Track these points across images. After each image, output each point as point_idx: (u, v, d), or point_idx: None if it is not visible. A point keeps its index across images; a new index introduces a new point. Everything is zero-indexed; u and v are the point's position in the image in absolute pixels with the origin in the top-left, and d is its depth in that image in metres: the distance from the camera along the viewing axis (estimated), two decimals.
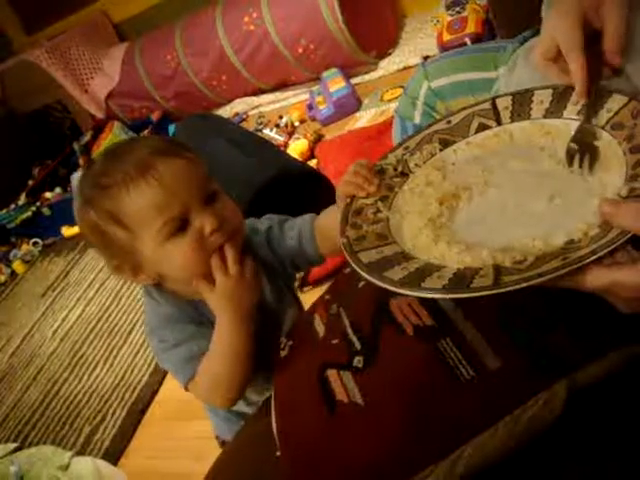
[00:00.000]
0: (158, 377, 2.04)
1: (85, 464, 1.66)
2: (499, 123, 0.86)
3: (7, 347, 2.69)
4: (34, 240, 3.36)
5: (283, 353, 0.89)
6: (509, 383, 0.66)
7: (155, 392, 2.00)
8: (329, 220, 1.07)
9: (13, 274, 3.30)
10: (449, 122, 0.90)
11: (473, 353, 0.69)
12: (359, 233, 0.78)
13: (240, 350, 0.96)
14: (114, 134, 3.57)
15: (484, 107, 0.88)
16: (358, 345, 0.76)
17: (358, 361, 0.74)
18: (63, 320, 2.65)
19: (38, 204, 3.40)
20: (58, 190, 3.46)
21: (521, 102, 0.86)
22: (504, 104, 0.87)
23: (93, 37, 3.96)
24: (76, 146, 3.65)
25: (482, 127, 0.87)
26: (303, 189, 2.07)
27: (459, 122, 0.89)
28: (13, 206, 3.44)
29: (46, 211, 3.34)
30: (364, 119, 2.82)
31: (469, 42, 2.78)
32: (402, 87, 2.89)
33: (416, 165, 0.87)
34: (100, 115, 3.84)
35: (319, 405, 0.75)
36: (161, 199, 0.93)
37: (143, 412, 1.96)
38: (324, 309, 0.87)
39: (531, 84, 0.87)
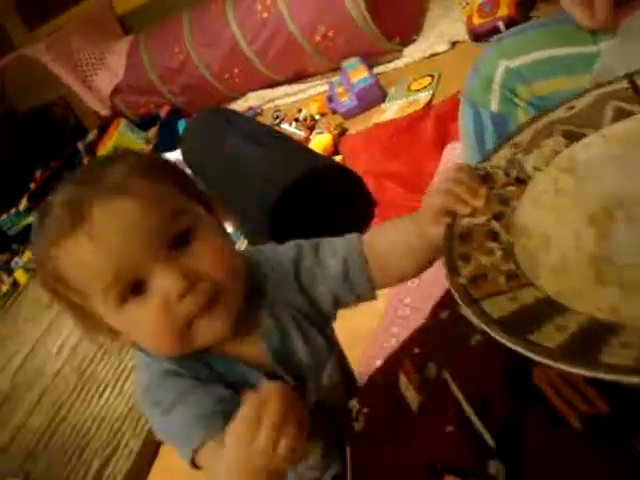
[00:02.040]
0: None
1: None
2: None
3: (10, 365, 2.48)
4: None
5: (358, 426, 0.66)
6: None
7: None
8: (384, 241, 0.84)
9: (15, 284, 3.09)
10: (571, 108, 0.68)
11: None
12: (475, 270, 0.56)
13: None
14: (120, 132, 3.37)
15: (618, 87, 0.66)
16: (491, 441, 0.53)
17: (495, 469, 0.51)
18: (69, 335, 2.44)
19: None
20: None
21: None
22: None
23: (96, 31, 3.75)
24: (80, 146, 3.46)
25: (620, 114, 0.64)
26: (331, 189, 1.87)
27: (586, 108, 0.67)
28: (14, 211, 3.24)
29: None
30: (391, 111, 2.60)
31: (502, 26, 2.58)
32: (431, 76, 2.68)
33: (535, 168, 0.66)
34: (105, 112, 3.63)
35: None
36: (92, 261, 0.72)
37: (160, 443, 1.75)
38: (413, 366, 0.65)
39: None
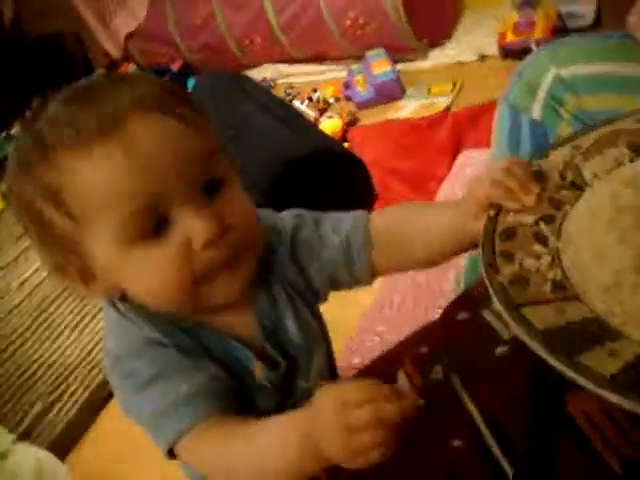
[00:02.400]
0: None
1: (26, 456, 1.37)
2: None
3: None
4: None
5: None
6: None
7: None
8: (392, 223, 0.77)
9: None
10: None
11: None
12: (517, 271, 0.49)
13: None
14: None
15: None
16: (508, 469, 0.46)
17: None
18: (36, 271, 2.33)
19: None
20: None
21: None
22: None
23: None
24: (29, 113, 3.33)
25: None
26: (334, 172, 1.80)
27: None
28: (4, 134, 3.12)
29: None
30: (407, 109, 2.53)
31: (534, 48, 2.52)
32: (452, 82, 2.62)
33: (595, 175, 0.59)
34: (116, 54, 3.54)
35: None
36: (126, 179, 0.61)
37: (106, 400, 1.67)
38: (416, 366, 0.57)
39: None
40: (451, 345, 0.58)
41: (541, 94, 0.96)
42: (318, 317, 0.83)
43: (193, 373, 0.67)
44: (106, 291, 0.70)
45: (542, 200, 0.59)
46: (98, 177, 0.61)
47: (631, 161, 0.59)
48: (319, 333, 0.82)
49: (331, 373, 0.86)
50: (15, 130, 3.16)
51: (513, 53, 2.52)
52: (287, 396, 0.76)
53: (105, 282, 0.68)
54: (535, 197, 0.59)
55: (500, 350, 0.54)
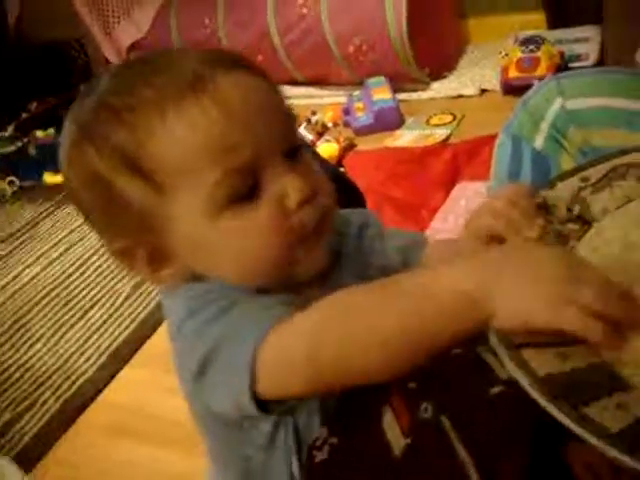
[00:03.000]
0: (108, 373, 1.70)
1: None
2: None
3: None
4: (10, 179, 3.00)
5: (320, 456, 0.55)
6: None
7: (99, 391, 1.66)
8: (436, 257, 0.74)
9: None
10: None
11: None
12: None
13: (417, 339, 0.50)
14: None
15: None
16: None
17: None
18: (15, 277, 2.29)
19: (25, 140, 3.05)
20: (51, 131, 3.10)
21: None
22: None
23: None
24: (83, 88, 3.31)
25: None
26: None
27: None
28: None
29: (32, 150, 3.00)
30: (405, 138, 2.52)
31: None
32: (452, 114, 2.61)
33: (604, 210, 0.56)
34: (117, 63, 3.51)
35: None
36: (224, 134, 0.56)
37: (79, 411, 1.62)
38: (404, 403, 0.54)
39: None
40: (442, 382, 0.55)
41: (545, 125, 0.93)
42: None
43: (267, 300, 0.61)
44: (176, 276, 0.64)
45: (547, 234, 0.56)
46: (191, 135, 0.57)
47: None
48: None
49: None
50: (9, 132, 3.12)
51: (515, 89, 2.51)
52: None
53: (178, 264, 0.64)
54: (539, 230, 0.56)
55: (495, 390, 0.50)
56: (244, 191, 0.60)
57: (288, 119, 0.65)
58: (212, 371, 0.58)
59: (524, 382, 0.40)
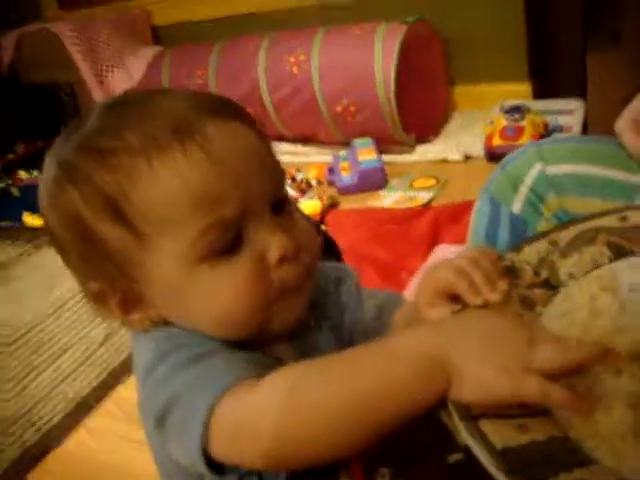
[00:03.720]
0: (71, 422, 1.66)
1: None
2: None
3: None
4: None
5: None
6: None
7: (59, 442, 1.61)
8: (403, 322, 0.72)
9: None
10: (624, 219, 0.60)
11: None
12: None
13: (404, 407, 0.48)
14: None
15: None
16: None
17: None
18: None
19: (9, 182, 3.05)
20: (36, 173, 3.11)
21: None
22: None
23: (127, 31, 3.69)
24: (69, 125, 3.31)
25: None
26: None
27: None
28: None
29: (15, 191, 3.00)
30: (389, 200, 2.53)
31: None
32: (435, 178, 2.63)
33: (571, 275, 0.56)
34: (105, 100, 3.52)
35: None
36: (211, 183, 0.55)
37: (41, 458, 1.57)
38: (362, 466, 0.53)
39: None
40: (403, 445, 0.54)
41: (524, 189, 0.93)
42: None
43: (233, 355, 0.59)
44: (147, 322, 0.63)
45: (511, 298, 0.55)
46: (176, 185, 0.55)
47: (610, 261, 0.57)
48: None
49: None
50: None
51: (498, 157, 2.52)
52: None
53: (151, 311, 0.62)
54: (502, 295, 0.55)
55: (454, 457, 0.49)
56: (225, 244, 0.58)
57: (276, 170, 0.64)
58: (170, 421, 0.56)
59: (480, 455, 0.39)
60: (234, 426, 0.52)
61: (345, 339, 0.74)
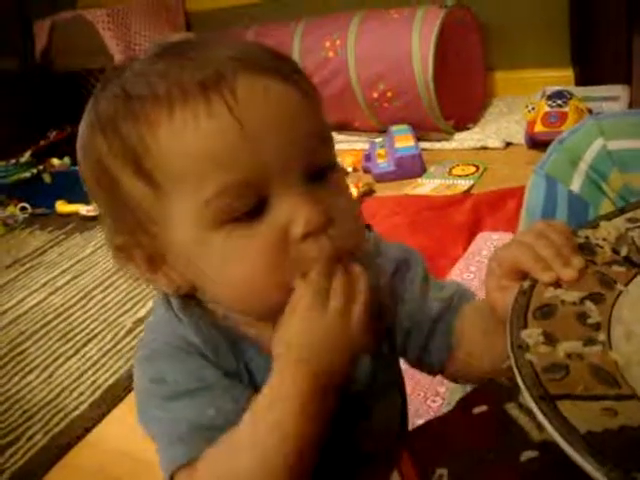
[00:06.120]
0: (100, 411, 1.62)
1: None
2: None
3: None
4: (22, 205, 2.98)
5: None
6: None
7: (88, 430, 1.57)
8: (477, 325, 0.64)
9: None
10: None
11: None
12: (556, 357, 0.38)
13: (299, 446, 0.51)
14: None
15: None
16: None
17: None
18: (18, 302, 2.24)
19: (41, 168, 3.01)
20: (67, 160, 3.08)
21: None
22: None
23: (160, 17, 3.67)
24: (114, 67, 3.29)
25: None
26: None
27: None
28: (13, 161, 3.05)
29: (47, 178, 2.96)
30: (427, 187, 2.46)
31: None
32: (475, 165, 2.55)
33: None
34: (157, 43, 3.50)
35: None
36: (231, 142, 0.50)
37: (68, 448, 1.53)
38: (414, 466, 0.45)
39: None
40: (461, 445, 0.46)
41: (584, 166, 0.85)
42: (398, 367, 0.72)
43: (225, 397, 0.57)
44: (173, 283, 0.59)
45: (586, 277, 0.48)
46: (193, 139, 0.51)
47: None
48: (394, 382, 0.71)
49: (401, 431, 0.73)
50: (25, 158, 3.09)
51: (540, 144, 2.45)
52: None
53: (175, 272, 0.58)
54: (576, 271, 0.48)
55: (527, 455, 0.41)
56: (243, 210, 0.53)
57: (318, 136, 0.56)
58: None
59: (561, 439, 0.32)
60: None
61: (394, 338, 0.67)
